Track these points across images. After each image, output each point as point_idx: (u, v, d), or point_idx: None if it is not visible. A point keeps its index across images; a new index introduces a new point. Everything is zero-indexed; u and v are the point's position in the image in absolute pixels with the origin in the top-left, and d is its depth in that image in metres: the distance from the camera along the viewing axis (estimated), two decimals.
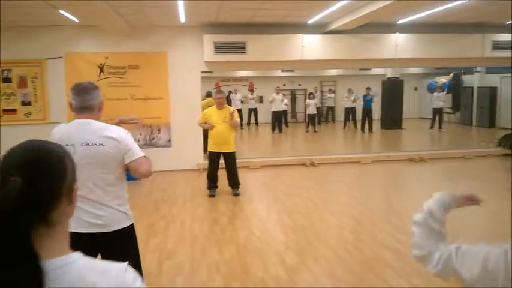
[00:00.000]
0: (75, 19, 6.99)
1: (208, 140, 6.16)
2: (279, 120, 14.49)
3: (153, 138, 8.13)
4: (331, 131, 15.78)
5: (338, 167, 8.28)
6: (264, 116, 16.39)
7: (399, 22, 8.04)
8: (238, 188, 6.24)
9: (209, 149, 6.13)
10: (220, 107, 6.00)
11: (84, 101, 2.31)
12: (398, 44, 8.11)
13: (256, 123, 16.63)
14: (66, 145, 2.21)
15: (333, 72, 17.75)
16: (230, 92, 16.59)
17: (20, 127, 7.44)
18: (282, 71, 17.19)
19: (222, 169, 6.17)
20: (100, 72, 7.83)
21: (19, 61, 7.56)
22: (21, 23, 7.17)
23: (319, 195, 6.13)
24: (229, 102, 15.98)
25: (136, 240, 2.42)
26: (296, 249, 4.15)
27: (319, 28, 8.08)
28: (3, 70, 7.52)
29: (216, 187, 6.25)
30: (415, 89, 19.55)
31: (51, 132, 2.37)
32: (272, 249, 4.19)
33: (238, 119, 6.07)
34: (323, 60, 8.10)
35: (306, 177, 7.40)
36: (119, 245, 2.25)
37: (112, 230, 2.24)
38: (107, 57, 7.82)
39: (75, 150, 2.21)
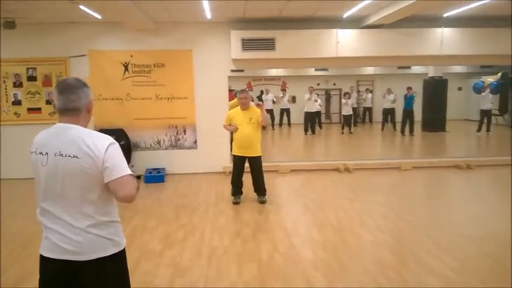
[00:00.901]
0: (97, 15, 6.76)
1: (233, 143, 5.72)
2: (312, 121, 13.89)
3: (179, 140, 7.80)
4: (368, 133, 14.98)
5: (375, 173, 7.62)
6: (297, 117, 15.80)
7: (445, 15, 7.28)
8: (265, 195, 5.76)
9: (233, 152, 5.69)
10: (244, 107, 5.54)
11: (68, 102, 1.89)
12: (443, 40, 7.34)
13: (289, 124, 16.07)
14: (41, 153, 1.83)
15: (371, 70, 16.93)
16: (262, 91, 16.14)
17: (44, 126, 7.31)
18: (316, 69, 16.57)
19: (247, 172, 5.71)
20: (125, 71, 7.59)
21: (44, 59, 7.44)
22: (42, 19, 7.01)
23: (353, 206, 5.54)
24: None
25: (123, 273, 1.98)
26: (326, 271, 3.62)
27: (356, 22, 7.46)
28: (28, 68, 7.42)
29: (241, 193, 5.80)
30: (459, 89, 18.34)
31: (34, 139, 1.98)
32: (298, 269, 3.67)
33: (266, 114, 5.63)
34: (360, 58, 7.47)
35: (340, 185, 6.81)
36: (97, 278, 1.83)
37: (89, 259, 1.81)
38: (131, 56, 7.55)
39: (48, 160, 1.81)
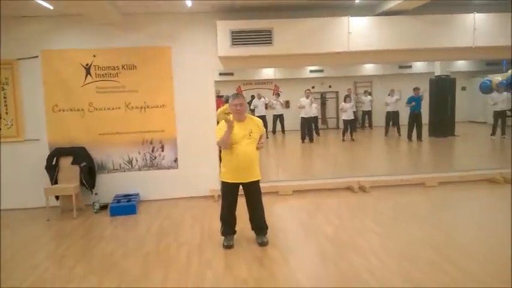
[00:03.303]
0: (48, 6, 5.31)
1: (222, 164, 4.28)
2: (309, 127, 12.57)
3: (155, 158, 6.33)
4: (372, 140, 13.68)
5: (396, 192, 6.25)
6: (291, 123, 14.44)
7: None
8: (266, 233, 4.34)
9: (223, 178, 4.23)
10: (239, 117, 4.12)
11: None
12: (476, 28, 6.04)
13: (283, 130, 14.70)
14: None
15: (369, 71, 15.73)
16: (253, 96, 14.74)
17: None
18: (311, 71, 15.35)
19: (241, 196, 4.30)
20: (87, 75, 6.12)
21: None
22: None
23: (385, 245, 4.14)
24: (252, 111, 14.25)
25: None
26: None
27: (370, 8, 6.15)
28: None
29: (234, 232, 4.36)
30: (463, 88, 17.18)
31: None
32: None
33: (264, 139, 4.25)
34: (376, 52, 6.11)
35: (357, 211, 5.41)
36: None
37: None
38: (94, 55, 6.10)
39: None
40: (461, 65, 14.99)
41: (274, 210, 5.57)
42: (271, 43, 5.81)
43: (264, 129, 4.33)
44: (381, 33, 5.94)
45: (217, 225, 4.51)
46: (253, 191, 4.20)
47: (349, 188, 6.46)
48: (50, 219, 5.60)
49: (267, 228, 4.33)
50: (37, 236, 4.97)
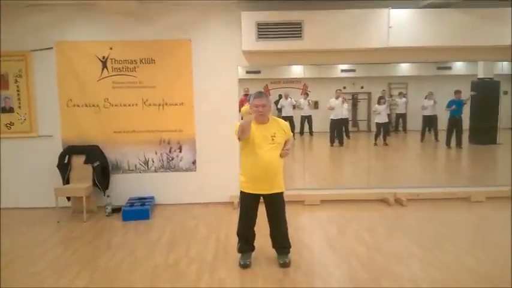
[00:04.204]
0: None
1: (241, 171, 3.76)
2: (339, 130, 11.90)
3: (172, 159, 5.90)
4: (407, 145, 12.84)
5: (438, 207, 5.57)
6: (319, 124, 13.79)
7: None
8: (289, 252, 3.80)
9: (242, 188, 3.72)
10: (261, 120, 3.59)
11: None
12: None
13: (311, 132, 14.05)
14: None
15: (404, 71, 14.87)
16: (280, 96, 14.18)
17: None
18: (342, 70, 14.64)
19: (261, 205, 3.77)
20: (103, 68, 5.75)
21: None
22: None
23: (430, 275, 3.51)
24: (278, 111, 13.69)
25: None
26: None
27: (414, 1, 5.46)
28: None
29: (252, 249, 3.85)
30: (505, 93, 16.01)
31: None
32: None
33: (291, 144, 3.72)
34: (421, 49, 5.44)
35: (395, 229, 4.77)
36: None
37: None
38: (111, 48, 5.72)
39: None
40: (504, 67, 13.95)
41: (299, 223, 5.02)
42: (301, 37, 5.25)
43: (291, 133, 3.77)
44: (426, 29, 5.26)
45: (234, 238, 4.00)
46: (275, 204, 3.66)
47: (383, 201, 5.82)
48: (60, 221, 5.27)
49: (290, 247, 3.79)
50: (43, 239, 4.62)
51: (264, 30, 5.24)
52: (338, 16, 5.24)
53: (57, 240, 4.70)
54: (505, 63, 13.79)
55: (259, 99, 3.55)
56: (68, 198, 5.65)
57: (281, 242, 3.75)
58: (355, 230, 4.72)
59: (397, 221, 5.03)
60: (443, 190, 5.97)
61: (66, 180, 5.62)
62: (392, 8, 5.25)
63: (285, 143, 3.66)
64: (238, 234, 3.81)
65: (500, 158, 9.90)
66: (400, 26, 5.24)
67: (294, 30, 5.23)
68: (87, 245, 4.43)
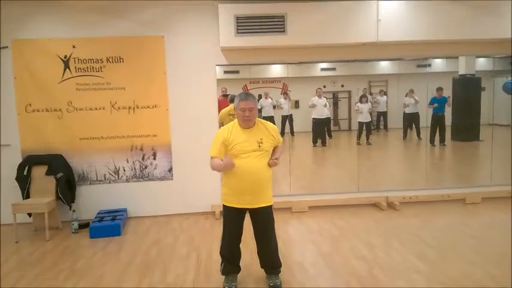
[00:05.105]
0: None
1: (222, 182, 3.29)
2: (321, 129, 11.60)
3: (146, 167, 5.38)
4: (390, 143, 12.61)
5: (433, 210, 5.26)
6: (300, 124, 13.47)
7: None
8: (279, 272, 3.36)
9: (225, 201, 3.26)
10: (247, 124, 3.13)
11: None
12: None
13: (292, 132, 13.71)
14: None
15: (385, 69, 14.74)
16: (260, 96, 13.77)
17: None
18: (322, 69, 14.38)
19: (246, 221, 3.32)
20: (65, 69, 5.18)
21: None
22: None
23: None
24: (259, 111, 13.29)
25: None
26: None
27: None
28: None
29: (238, 271, 3.39)
30: (482, 89, 16.12)
31: None
32: None
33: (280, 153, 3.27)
34: (412, 43, 5.10)
35: (391, 237, 4.39)
36: None
37: None
38: (74, 46, 5.15)
39: None
40: (482, 63, 13.99)
41: (287, 235, 4.59)
42: (284, 31, 4.83)
43: (281, 139, 3.31)
44: (418, 21, 4.93)
45: (217, 255, 3.54)
46: (263, 219, 3.21)
47: (375, 205, 5.47)
48: (18, 241, 4.68)
49: (280, 266, 3.35)
50: None
51: (244, 24, 4.79)
52: (324, 8, 4.84)
53: (14, 264, 4.11)
54: (481, 59, 13.90)
55: (245, 101, 3.08)
56: (30, 214, 5.06)
57: (270, 261, 3.30)
58: (349, 240, 4.32)
59: (392, 229, 4.65)
60: (437, 192, 5.66)
61: (26, 194, 5.03)
62: (381, 0, 4.89)
63: (274, 151, 3.22)
64: (221, 254, 3.34)
65: (487, 156, 9.76)
66: (390, 19, 4.88)
67: (276, 24, 4.80)
68: (47, 271, 3.85)
